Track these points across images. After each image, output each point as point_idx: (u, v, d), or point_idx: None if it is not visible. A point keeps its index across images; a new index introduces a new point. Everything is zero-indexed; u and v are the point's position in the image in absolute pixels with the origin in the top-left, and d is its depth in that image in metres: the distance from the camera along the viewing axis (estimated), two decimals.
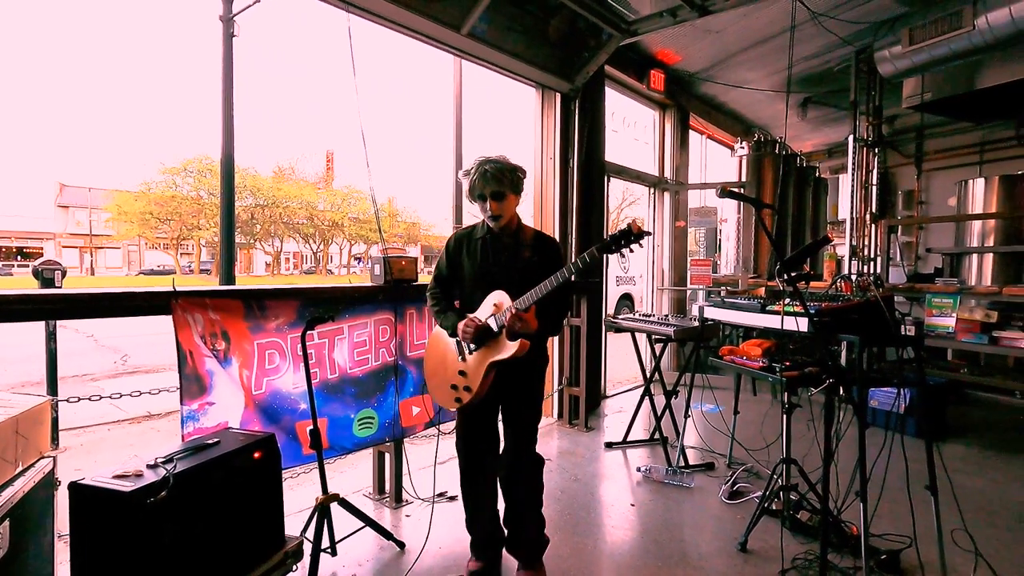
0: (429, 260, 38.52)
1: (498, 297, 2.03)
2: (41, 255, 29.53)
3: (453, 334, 2.11)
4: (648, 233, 1.93)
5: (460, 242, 2.23)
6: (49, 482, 1.68)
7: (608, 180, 5.08)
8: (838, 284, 2.62)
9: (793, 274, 2.05)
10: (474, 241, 2.19)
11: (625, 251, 1.90)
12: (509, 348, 1.98)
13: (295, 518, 2.46)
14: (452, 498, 2.98)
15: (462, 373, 2.10)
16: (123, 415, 4.72)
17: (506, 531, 2.30)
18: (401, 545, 2.48)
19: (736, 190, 2.22)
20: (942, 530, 2.25)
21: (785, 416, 2.54)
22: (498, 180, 2.04)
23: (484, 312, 2.06)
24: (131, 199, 23.96)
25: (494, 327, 2.01)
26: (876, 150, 5.37)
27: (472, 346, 2.08)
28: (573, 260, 1.92)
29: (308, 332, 2.21)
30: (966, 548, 2.32)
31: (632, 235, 1.86)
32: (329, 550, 2.25)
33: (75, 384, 5.95)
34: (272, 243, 30.48)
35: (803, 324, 2.30)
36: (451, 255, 2.23)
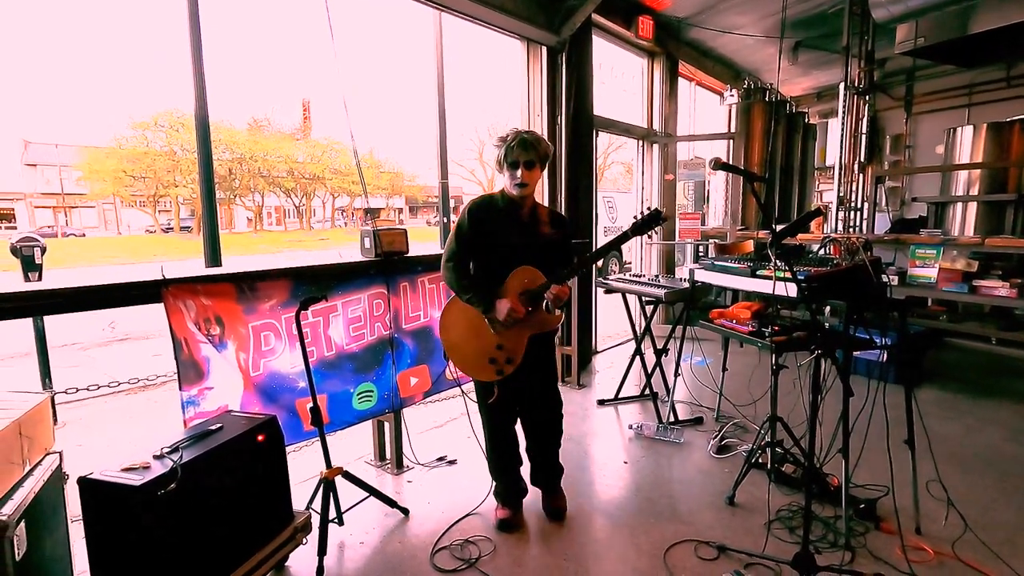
0: (414, 211, 37.92)
1: (528, 273, 2.18)
2: (12, 215, 28.57)
3: (487, 312, 2.20)
4: (666, 218, 2.29)
5: (483, 209, 2.25)
6: (58, 477, 1.70)
7: (596, 134, 4.98)
8: (827, 248, 2.64)
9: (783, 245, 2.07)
10: (496, 211, 2.25)
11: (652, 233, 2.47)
12: (552, 321, 2.25)
13: (300, 488, 2.53)
14: (452, 462, 3.07)
15: (499, 347, 2.21)
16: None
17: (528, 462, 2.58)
18: (405, 511, 2.58)
19: (727, 162, 2.21)
20: (917, 481, 2.40)
21: (773, 378, 2.62)
22: (535, 148, 2.15)
23: (514, 287, 2.19)
24: (102, 156, 23.06)
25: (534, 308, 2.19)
26: (867, 97, 5.29)
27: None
28: (599, 244, 2.30)
29: (302, 311, 2.21)
30: (939, 496, 2.47)
31: (661, 218, 2.15)
32: (336, 520, 2.33)
33: (64, 353, 5.91)
34: (252, 198, 29.74)
35: (792, 288, 2.35)
36: (475, 220, 2.23)
